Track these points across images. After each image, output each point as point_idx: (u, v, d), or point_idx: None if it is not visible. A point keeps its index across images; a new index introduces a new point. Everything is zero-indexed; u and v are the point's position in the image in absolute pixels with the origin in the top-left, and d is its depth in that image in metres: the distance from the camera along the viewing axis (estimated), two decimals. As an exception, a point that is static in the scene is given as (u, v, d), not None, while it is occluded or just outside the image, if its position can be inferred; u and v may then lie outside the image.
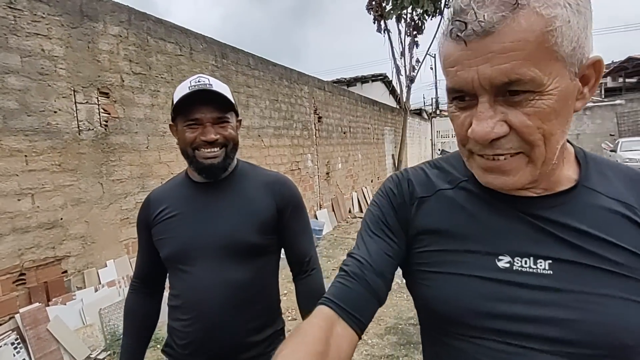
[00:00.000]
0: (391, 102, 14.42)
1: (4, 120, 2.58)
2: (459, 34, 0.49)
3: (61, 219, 2.93)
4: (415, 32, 12.28)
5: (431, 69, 21.34)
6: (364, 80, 15.26)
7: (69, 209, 2.98)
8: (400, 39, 12.36)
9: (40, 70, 2.80)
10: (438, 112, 23.01)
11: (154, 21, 3.80)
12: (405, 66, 12.57)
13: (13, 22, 2.64)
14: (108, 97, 3.30)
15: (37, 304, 2.66)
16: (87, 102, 3.13)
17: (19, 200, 2.67)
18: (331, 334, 0.57)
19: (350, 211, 8.52)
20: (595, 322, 0.51)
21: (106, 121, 3.28)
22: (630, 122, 17.08)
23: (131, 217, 3.47)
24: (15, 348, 2.45)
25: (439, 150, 19.02)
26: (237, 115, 1.13)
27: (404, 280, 0.70)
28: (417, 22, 12.14)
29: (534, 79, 0.47)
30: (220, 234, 1.05)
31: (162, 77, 3.85)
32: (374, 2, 11.82)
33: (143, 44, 3.66)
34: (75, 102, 3.04)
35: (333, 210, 7.65)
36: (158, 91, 3.79)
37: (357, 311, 0.61)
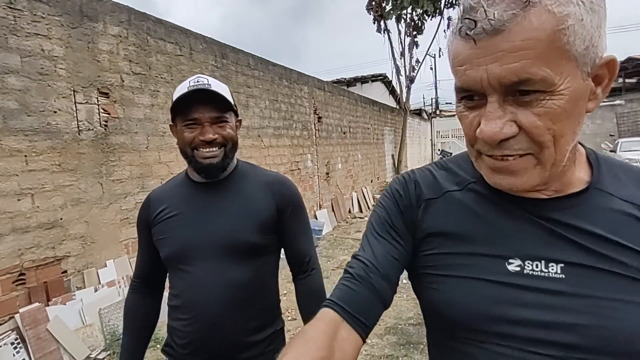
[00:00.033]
0: (391, 103, 14.42)
1: (3, 120, 2.58)
2: (468, 32, 0.48)
3: (61, 219, 2.93)
4: (415, 33, 12.30)
5: (431, 69, 21.39)
6: (363, 80, 15.27)
7: (68, 209, 2.98)
8: (400, 39, 12.38)
9: (40, 70, 2.80)
10: (438, 112, 23.01)
11: (153, 21, 3.80)
12: (405, 66, 12.59)
13: (13, 22, 2.64)
14: (108, 97, 3.31)
15: (36, 304, 2.66)
16: (87, 102, 3.13)
17: (18, 200, 2.67)
18: (335, 338, 0.56)
19: (350, 211, 8.53)
20: (608, 327, 0.49)
21: (106, 121, 3.28)
22: (630, 122, 17.09)
23: (131, 217, 3.47)
24: (15, 348, 2.45)
25: (439, 150, 19.02)
26: (236, 115, 1.14)
27: (408, 282, 0.69)
28: (417, 22, 12.15)
29: (545, 79, 0.46)
30: (220, 234, 1.06)
31: (162, 77, 3.85)
32: (373, 3, 11.83)
33: (143, 44, 3.66)
34: (75, 102, 3.04)
35: (333, 211, 7.65)
36: (158, 91, 3.79)
37: (362, 314, 0.60)
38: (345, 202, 8.39)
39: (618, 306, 0.50)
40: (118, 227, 3.38)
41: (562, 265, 0.53)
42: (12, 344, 2.44)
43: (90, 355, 2.83)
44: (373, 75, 15.31)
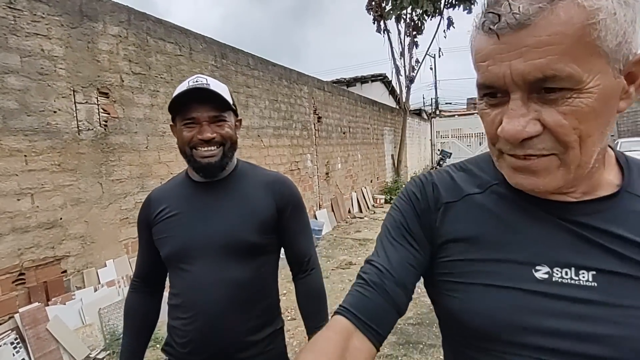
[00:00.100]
0: (391, 103, 14.42)
1: (3, 120, 2.58)
2: (491, 26, 0.46)
3: (61, 218, 2.93)
4: (414, 33, 12.29)
5: (431, 69, 21.39)
6: (363, 80, 15.27)
7: (68, 209, 2.98)
8: (400, 39, 12.37)
9: (40, 70, 2.80)
10: (438, 112, 23.02)
11: (153, 21, 3.81)
12: (404, 66, 12.58)
13: (13, 22, 2.64)
14: (108, 97, 3.31)
15: (36, 304, 2.66)
16: (86, 102, 3.13)
17: (18, 200, 2.67)
18: (347, 349, 0.54)
19: (349, 211, 8.53)
20: None
21: (106, 121, 3.29)
22: (630, 122, 17.10)
23: (131, 217, 3.47)
24: (15, 348, 2.45)
25: (439, 150, 19.02)
26: (236, 115, 1.14)
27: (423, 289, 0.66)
28: (416, 22, 12.15)
29: (572, 76, 0.44)
30: (220, 233, 1.06)
31: (161, 77, 3.85)
32: (373, 2, 11.82)
33: (143, 44, 3.66)
34: (75, 102, 3.04)
35: (332, 211, 7.65)
36: (157, 91, 3.79)
37: (376, 322, 0.58)
38: (345, 202, 8.39)
39: None
40: (118, 227, 3.38)
41: (594, 272, 0.50)
42: (12, 343, 2.45)
43: (90, 355, 2.83)
44: (373, 75, 15.30)
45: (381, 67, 49.09)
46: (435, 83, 24.32)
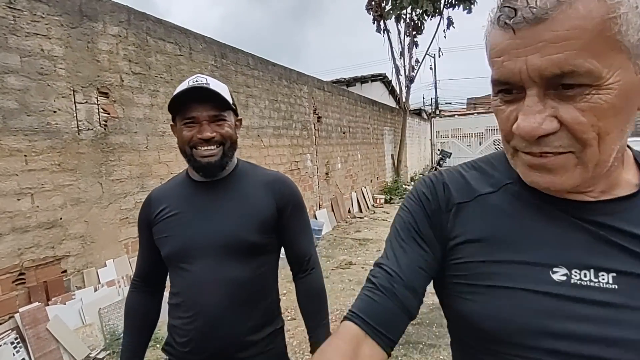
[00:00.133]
0: (391, 102, 14.43)
1: (3, 120, 2.58)
2: (507, 21, 0.45)
3: (61, 218, 2.93)
4: (414, 32, 12.30)
5: (431, 69, 21.37)
6: (363, 80, 15.27)
7: (68, 209, 2.98)
8: (400, 39, 12.39)
9: (39, 70, 2.80)
10: (437, 112, 23.02)
11: (153, 21, 3.81)
12: (404, 66, 12.60)
13: (13, 22, 2.64)
14: (107, 97, 3.31)
15: (36, 304, 2.66)
16: (86, 102, 3.13)
17: (18, 200, 2.67)
18: (357, 356, 0.53)
19: (349, 211, 8.53)
20: None
21: (105, 121, 3.29)
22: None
23: (130, 217, 3.48)
24: (15, 347, 2.45)
25: (438, 150, 19.02)
26: (236, 114, 1.14)
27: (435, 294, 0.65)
28: (416, 22, 12.16)
29: (591, 72, 0.42)
30: (220, 233, 1.06)
31: (161, 77, 3.85)
32: (373, 2, 11.83)
33: (142, 44, 3.66)
34: (75, 102, 3.04)
35: (332, 210, 7.65)
36: (157, 91, 3.79)
37: (386, 328, 0.56)
38: (345, 202, 8.39)
39: None
40: (118, 227, 3.38)
41: (615, 274, 0.49)
42: (12, 343, 2.45)
43: (90, 355, 2.83)
44: (373, 75, 15.30)
45: (381, 67, 49.05)
46: (435, 83, 24.33)
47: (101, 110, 3.25)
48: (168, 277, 1.19)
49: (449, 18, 11.97)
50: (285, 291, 3.46)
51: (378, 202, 9.81)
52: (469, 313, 0.56)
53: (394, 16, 11.74)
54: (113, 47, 3.36)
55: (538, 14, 0.43)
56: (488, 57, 0.51)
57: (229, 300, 1.04)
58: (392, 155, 12.69)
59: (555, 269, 0.51)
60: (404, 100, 13.05)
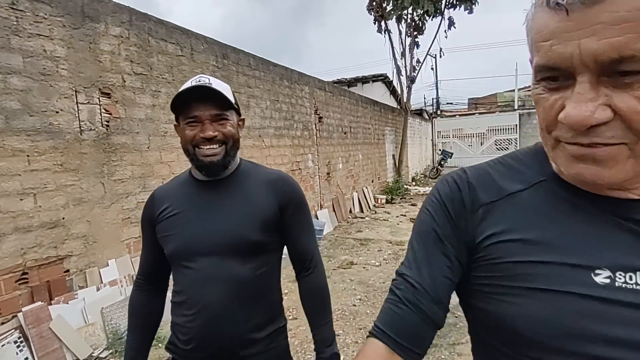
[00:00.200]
0: (392, 103, 14.43)
1: (6, 120, 2.59)
2: (559, 1, 0.42)
3: (63, 218, 2.94)
4: (415, 33, 12.30)
5: (432, 69, 21.40)
6: (364, 80, 15.27)
7: (70, 209, 3.00)
8: (401, 39, 12.39)
9: (42, 71, 2.81)
10: (439, 112, 23.01)
11: (155, 22, 3.82)
12: (405, 66, 12.59)
13: (15, 23, 2.66)
14: (109, 98, 3.32)
15: (39, 303, 2.67)
16: (88, 102, 3.15)
17: (21, 199, 2.68)
18: None
19: (351, 211, 8.53)
20: None
21: (107, 121, 3.30)
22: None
23: (132, 217, 3.49)
24: (18, 346, 2.46)
25: (440, 150, 19.01)
26: (238, 114, 1.15)
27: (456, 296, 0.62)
28: (417, 22, 12.16)
29: None
30: (222, 232, 1.07)
31: (163, 78, 3.86)
32: (374, 3, 11.83)
33: (144, 44, 3.67)
34: (77, 103, 3.06)
35: (334, 211, 7.66)
36: (159, 91, 3.80)
37: (414, 343, 0.55)
38: (346, 202, 8.40)
39: None
40: (120, 227, 3.39)
41: None
42: (15, 342, 2.46)
43: (93, 354, 2.84)
44: (374, 76, 15.30)
45: (382, 68, 49.03)
46: (437, 83, 24.32)
47: (103, 111, 3.27)
48: (171, 275, 1.20)
49: (450, 18, 11.97)
50: (286, 291, 3.47)
51: (379, 202, 9.81)
52: (502, 315, 0.53)
53: (395, 16, 11.75)
54: (115, 47, 3.38)
55: None
56: (531, 42, 0.48)
57: (231, 298, 1.04)
58: (393, 155, 12.69)
59: (597, 271, 0.48)
60: (405, 100, 13.05)
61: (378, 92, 13.99)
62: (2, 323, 2.52)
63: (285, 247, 1.21)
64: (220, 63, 4.74)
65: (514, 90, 24.15)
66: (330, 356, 1.13)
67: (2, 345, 2.38)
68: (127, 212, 3.46)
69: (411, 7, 11.21)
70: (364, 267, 4.91)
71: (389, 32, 12.17)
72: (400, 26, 12.25)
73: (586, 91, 0.43)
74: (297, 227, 1.17)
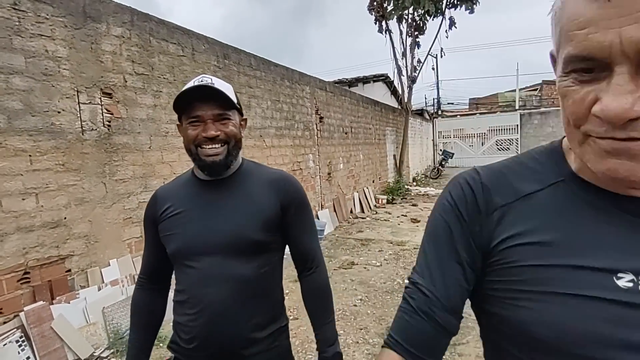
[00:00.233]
0: (393, 103, 14.43)
1: (8, 120, 2.60)
2: None
3: (65, 218, 2.95)
4: (416, 33, 12.30)
5: (433, 69, 21.32)
6: (365, 80, 15.28)
7: (72, 209, 3.01)
8: (402, 39, 12.39)
9: (44, 71, 2.82)
10: (440, 112, 23.01)
11: (156, 22, 3.83)
12: (406, 67, 12.60)
13: (17, 23, 2.67)
14: (111, 98, 3.33)
15: (41, 303, 2.68)
16: (90, 102, 3.15)
17: (23, 199, 2.69)
18: None
19: (351, 211, 8.54)
20: None
21: (109, 121, 3.31)
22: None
23: (134, 217, 3.50)
24: (20, 346, 2.47)
25: (441, 150, 19.01)
26: (241, 114, 1.15)
27: (405, 281, 0.63)
28: (418, 22, 12.16)
29: None
30: (224, 231, 1.07)
31: (164, 78, 3.87)
32: (375, 3, 11.84)
33: (146, 44, 3.68)
34: (79, 103, 3.06)
35: (335, 211, 7.66)
36: (160, 92, 3.81)
37: (428, 353, 0.55)
38: (347, 202, 8.40)
39: None
40: (121, 227, 3.40)
41: None
42: (17, 341, 2.47)
43: (94, 354, 2.85)
44: (375, 76, 15.31)
45: (383, 68, 49.03)
46: (437, 83, 24.30)
47: (105, 111, 3.27)
48: (173, 275, 1.20)
49: (451, 18, 11.97)
50: (287, 291, 3.47)
51: (380, 202, 9.81)
52: (519, 321, 0.51)
53: (395, 16, 11.75)
54: (116, 47, 3.38)
55: None
56: (559, 31, 0.45)
57: (233, 297, 1.05)
58: (394, 155, 12.69)
59: (620, 275, 0.46)
60: (406, 100, 13.05)
61: (379, 92, 13.99)
62: (4, 322, 2.53)
63: (287, 247, 1.21)
64: (221, 63, 4.74)
65: (515, 91, 24.13)
66: (333, 355, 1.13)
67: (4, 345, 2.39)
68: (129, 212, 3.46)
69: (412, 7, 11.21)
70: (365, 268, 4.92)
71: (390, 32, 12.19)
72: (401, 26, 12.26)
73: (625, 83, 0.40)
74: (299, 226, 1.17)
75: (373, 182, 10.46)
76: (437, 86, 24.36)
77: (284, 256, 1.22)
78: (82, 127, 3.07)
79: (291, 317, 3.37)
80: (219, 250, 1.06)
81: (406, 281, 0.63)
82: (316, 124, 7.29)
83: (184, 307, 1.09)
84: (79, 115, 3.06)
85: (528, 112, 19.40)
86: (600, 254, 0.48)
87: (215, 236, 1.07)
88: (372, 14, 12.12)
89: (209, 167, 1.08)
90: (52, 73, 2.87)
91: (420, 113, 18.64)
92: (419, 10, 11.52)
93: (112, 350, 2.92)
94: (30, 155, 2.73)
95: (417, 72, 12.83)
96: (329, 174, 7.66)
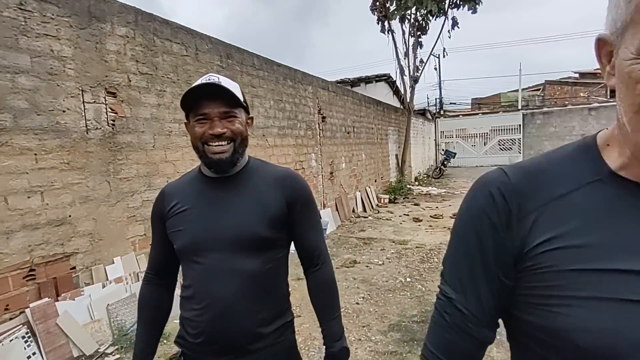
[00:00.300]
0: (395, 103, 14.43)
1: (14, 119, 2.63)
2: None
3: (70, 216, 2.98)
4: (419, 33, 12.31)
5: (435, 69, 21.37)
6: (367, 80, 15.28)
7: (77, 207, 3.03)
8: (404, 39, 12.40)
9: (49, 70, 2.85)
10: (442, 112, 22.99)
11: (160, 22, 3.85)
12: (409, 66, 12.61)
13: (23, 23, 2.69)
14: (115, 97, 3.36)
15: (46, 299, 2.71)
16: (94, 101, 3.18)
17: (29, 197, 2.72)
18: None
19: (354, 210, 8.55)
20: None
21: (113, 120, 3.33)
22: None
23: (138, 215, 3.52)
24: (26, 341, 2.50)
25: (443, 150, 19.00)
26: (247, 112, 1.17)
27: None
28: (421, 22, 12.17)
29: None
30: (231, 227, 1.08)
31: (168, 77, 3.90)
32: (377, 3, 11.84)
33: (149, 44, 3.71)
34: (84, 102, 3.09)
35: (337, 210, 7.68)
36: (164, 91, 3.84)
37: None
38: (349, 202, 8.41)
39: None
40: (125, 225, 3.43)
41: None
42: (23, 337, 2.50)
43: (99, 350, 2.88)
44: (377, 76, 15.32)
45: (385, 68, 49.03)
46: (440, 83, 24.30)
47: (109, 110, 3.30)
48: (180, 272, 1.22)
49: (453, 18, 11.97)
50: (290, 289, 3.49)
51: (382, 201, 9.82)
52: (556, 328, 0.48)
53: (398, 16, 11.76)
54: (121, 47, 3.41)
55: None
56: (626, 11, 0.42)
57: (240, 292, 1.06)
58: (396, 155, 12.70)
59: None
60: (408, 100, 13.05)
61: (381, 92, 14.00)
62: (11, 318, 2.56)
63: (292, 244, 1.23)
64: (224, 63, 4.77)
65: (517, 90, 24.08)
66: (340, 350, 1.14)
67: (11, 341, 2.42)
68: (133, 210, 3.49)
69: (415, 7, 11.21)
70: (367, 266, 4.93)
71: (393, 32, 12.19)
72: (403, 26, 12.27)
73: None
74: (304, 223, 1.18)
75: (375, 181, 10.47)
76: (440, 86, 24.35)
77: (290, 252, 1.24)
78: (86, 126, 3.10)
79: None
80: (226, 246, 1.08)
81: (436, 289, 0.62)
82: (318, 124, 7.31)
83: (191, 302, 1.10)
84: (83, 114, 3.08)
85: (531, 112, 19.35)
86: None
87: (222, 232, 1.08)
88: (374, 14, 12.12)
89: (216, 165, 1.10)
90: (57, 72, 2.90)
91: (422, 113, 18.63)
92: (422, 10, 11.53)
93: (116, 347, 2.94)
94: (35, 154, 2.76)
95: (420, 72, 12.84)
96: (331, 173, 7.68)
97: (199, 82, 1.08)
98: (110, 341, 2.98)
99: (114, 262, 3.28)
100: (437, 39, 12.40)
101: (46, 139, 2.82)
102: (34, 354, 2.51)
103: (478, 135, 20.52)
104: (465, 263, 0.57)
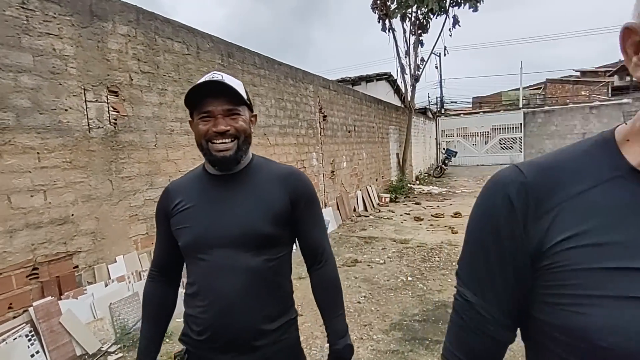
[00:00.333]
0: (396, 101, 14.42)
1: (17, 118, 2.64)
2: None
3: (72, 215, 2.99)
4: (420, 31, 12.29)
5: (436, 67, 21.27)
6: (368, 79, 15.26)
7: (79, 206, 3.04)
8: (405, 38, 12.39)
9: (51, 69, 2.85)
10: (443, 111, 22.97)
11: (161, 21, 3.85)
12: (410, 65, 12.59)
13: (25, 22, 2.70)
14: (117, 96, 3.36)
15: (49, 298, 2.72)
16: (96, 100, 3.18)
17: (31, 196, 2.73)
18: None
19: (355, 209, 8.55)
20: None
21: (115, 119, 3.34)
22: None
23: (140, 214, 3.53)
24: (30, 340, 2.51)
25: (444, 149, 18.99)
26: (250, 110, 1.17)
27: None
28: (422, 21, 12.15)
29: None
30: (235, 224, 1.09)
31: (169, 76, 3.90)
32: (378, 1, 11.83)
33: (151, 43, 3.71)
34: (86, 101, 3.10)
35: (338, 209, 7.68)
36: (166, 90, 3.84)
37: None
38: (350, 201, 8.42)
39: None
40: (127, 224, 3.43)
41: None
42: (27, 336, 2.50)
43: (102, 348, 2.88)
44: (378, 74, 15.29)
45: (386, 66, 48.96)
46: (441, 82, 24.27)
47: (111, 109, 3.31)
48: (184, 270, 1.22)
49: (454, 17, 11.95)
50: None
51: (383, 200, 9.82)
52: (581, 327, 0.47)
53: (399, 15, 11.74)
54: (122, 46, 3.41)
55: None
56: None
57: (244, 290, 1.06)
58: (397, 154, 12.70)
59: None
60: (409, 99, 13.04)
61: (382, 91, 13.99)
62: (14, 317, 2.57)
63: (295, 242, 1.23)
64: (225, 61, 4.77)
65: (518, 89, 24.05)
66: (344, 347, 1.15)
67: (14, 339, 2.43)
68: (135, 209, 3.50)
69: (415, 5, 11.20)
70: (369, 265, 4.94)
71: (394, 30, 12.17)
72: (404, 25, 12.25)
73: None
74: (308, 221, 1.19)
75: (376, 180, 10.47)
76: (441, 85, 24.33)
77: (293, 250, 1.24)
78: (88, 124, 3.11)
79: (295, 314, 3.39)
80: (230, 243, 1.08)
81: (453, 290, 0.62)
82: (320, 123, 7.31)
83: (195, 300, 1.11)
84: (85, 113, 3.09)
85: (532, 111, 19.33)
86: None
87: (226, 229, 1.09)
88: (375, 13, 12.11)
89: (219, 162, 1.10)
90: (59, 71, 2.91)
91: (423, 112, 18.62)
92: (423, 9, 11.51)
93: (119, 345, 2.95)
94: (38, 153, 2.76)
95: (421, 70, 12.83)
96: (332, 172, 7.68)
97: (202, 79, 1.08)
98: (112, 340, 2.99)
99: (116, 261, 3.29)
100: (438, 37, 12.40)
101: (49, 138, 2.83)
102: (37, 352, 2.52)
103: (479, 134, 20.51)
104: (483, 265, 0.56)
